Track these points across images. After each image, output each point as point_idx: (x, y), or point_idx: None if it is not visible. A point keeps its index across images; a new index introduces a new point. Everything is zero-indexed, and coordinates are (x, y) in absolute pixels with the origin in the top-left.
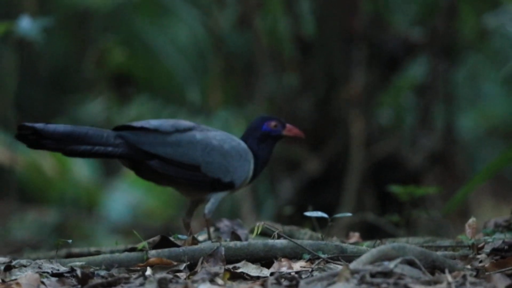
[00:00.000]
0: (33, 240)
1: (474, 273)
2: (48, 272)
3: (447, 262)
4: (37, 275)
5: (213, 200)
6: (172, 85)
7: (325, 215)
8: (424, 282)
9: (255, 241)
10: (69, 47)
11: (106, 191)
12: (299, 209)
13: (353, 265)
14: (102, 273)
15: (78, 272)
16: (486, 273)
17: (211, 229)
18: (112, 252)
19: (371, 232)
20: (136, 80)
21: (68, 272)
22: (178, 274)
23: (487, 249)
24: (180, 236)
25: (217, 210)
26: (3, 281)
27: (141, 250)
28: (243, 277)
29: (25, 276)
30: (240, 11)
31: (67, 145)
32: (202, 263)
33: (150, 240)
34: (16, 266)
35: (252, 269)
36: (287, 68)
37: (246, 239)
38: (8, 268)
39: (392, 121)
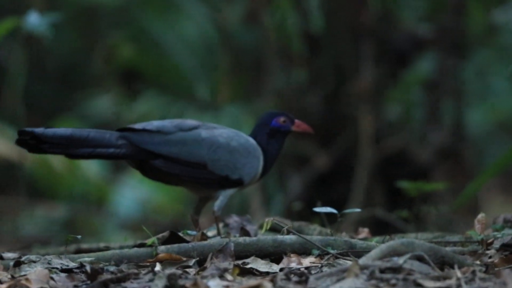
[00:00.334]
0: (42, 236)
1: (484, 269)
2: (57, 268)
3: (456, 257)
4: (46, 271)
5: (222, 197)
6: (180, 81)
7: (334, 211)
8: (433, 278)
9: (265, 237)
10: (77, 43)
11: (116, 187)
12: (308, 204)
13: (362, 261)
14: (112, 268)
15: (88, 267)
16: (496, 269)
17: (220, 225)
18: (121, 247)
19: (380, 228)
20: (145, 76)
21: (77, 267)
22: (187, 269)
23: (496, 244)
24: (189, 231)
25: (226, 206)
26: (12, 276)
27: (151, 245)
28: (252, 272)
29: (35, 271)
30: (249, 7)
31: (68, 149)
32: (211, 258)
33: (160, 235)
34: (26, 261)
35: (261, 265)
36: (295, 64)
37: (255, 235)
38: (18, 263)
39: (401, 116)
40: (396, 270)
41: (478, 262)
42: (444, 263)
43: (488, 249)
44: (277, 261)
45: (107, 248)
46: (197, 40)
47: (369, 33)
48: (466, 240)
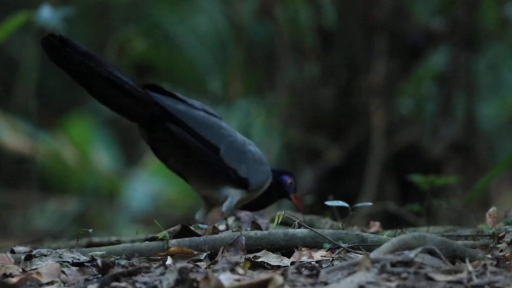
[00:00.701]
0: (53, 230)
1: (495, 263)
2: (68, 262)
3: (467, 251)
4: (57, 265)
5: (231, 199)
6: (193, 75)
7: (345, 205)
8: (445, 271)
9: (276, 231)
10: (90, 37)
11: (127, 180)
12: (320, 198)
13: (373, 255)
14: (123, 262)
15: (99, 261)
16: (507, 263)
17: (232, 219)
18: (132, 241)
19: (391, 222)
20: (157, 70)
21: (88, 261)
22: (198, 263)
23: (508, 238)
24: (200, 225)
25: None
26: (23, 270)
27: (162, 239)
28: (263, 266)
29: (46, 265)
30: (261, 1)
31: (89, 59)
32: (222, 252)
33: (171, 229)
34: (37, 255)
35: (272, 259)
36: (308, 58)
37: (267, 229)
38: (29, 257)
39: (413, 110)
40: (407, 263)
41: (489, 255)
42: (455, 257)
43: (499, 243)
44: (288, 255)
45: (118, 242)
46: (210, 34)
47: (382, 27)
48: (478, 234)
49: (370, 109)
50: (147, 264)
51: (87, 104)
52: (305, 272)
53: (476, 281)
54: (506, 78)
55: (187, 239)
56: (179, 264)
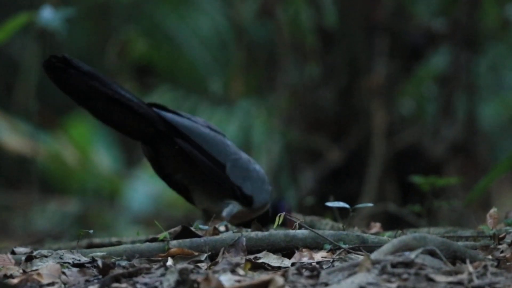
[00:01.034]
0: (54, 231)
1: (495, 264)
2: (69, 263)
3: (468, 252)
4: (58, 266)
5: (232, 206)
6: (193, 76)
7: (346, 205)
8: (445, 273)
9: (276, 232)
10: (91, 38)
11: (128, 181)
12: (320, 199)
13: (374, 256)
14: (123, 263)
15: (99, 262)
16: (507, 264)
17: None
18: (133, 242)
19: (392, 223)
20: (158, 70)
21: (89, 262)
22: (199, 264)
23: (508, 239)
24: (201, 226)
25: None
26: (24, 271)
27: (162, 240)
28: (264, 267)
29: (46, 266)
30: (262, 2)
31: (93, 80)
32: (223, 253)
33: (171, 230)
34: (37, 256)
35: (273, 260)
36: (309, 59)
37: (267, 230)
38: (29, 258)
39: (414, 111)
40: (408, 264)
41: (490, 256)
42: (456, 258)
43: (500, 244)
44: (289, 256)
45: (119, 243)
46: (211, 34)
47: (383, 28)
48: (478, 235)
49: (371, 110)
50: (147, 265)
51: None
52: (306, 273)
53: (476, 282)
54: (507, 79)
55: (187, 240)
56: (180, 265)
